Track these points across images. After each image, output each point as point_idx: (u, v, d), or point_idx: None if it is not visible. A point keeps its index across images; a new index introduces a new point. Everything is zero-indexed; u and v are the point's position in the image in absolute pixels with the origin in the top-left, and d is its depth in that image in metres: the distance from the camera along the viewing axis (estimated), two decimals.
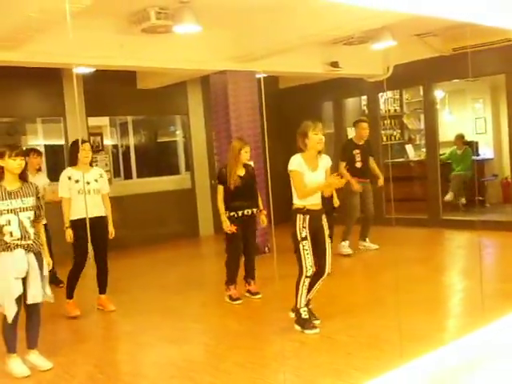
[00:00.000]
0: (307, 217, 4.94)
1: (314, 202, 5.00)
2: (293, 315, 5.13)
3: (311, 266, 4.94)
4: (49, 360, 4.64)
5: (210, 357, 4.86)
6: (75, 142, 6.41)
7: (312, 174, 4.97)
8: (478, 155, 11.88)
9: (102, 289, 6.25)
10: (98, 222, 6.03)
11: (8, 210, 4.39)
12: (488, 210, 10.99)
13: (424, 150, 11.09)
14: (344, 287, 6.86)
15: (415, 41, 9.48)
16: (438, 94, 11.70)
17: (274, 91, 11.57)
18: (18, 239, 4.40)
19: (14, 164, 4.41)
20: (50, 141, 10.59)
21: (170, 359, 4.78)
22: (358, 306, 5.95)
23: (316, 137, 4.92)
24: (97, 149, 10.51)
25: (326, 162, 5.11)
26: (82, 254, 5.97)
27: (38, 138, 10.57)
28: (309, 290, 5.06)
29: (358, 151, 8.34)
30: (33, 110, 9.99)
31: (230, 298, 6.24)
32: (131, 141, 11.54)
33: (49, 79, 9.12)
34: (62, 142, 10.15)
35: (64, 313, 6.00)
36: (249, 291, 6.40)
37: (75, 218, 5.90)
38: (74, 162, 6.08)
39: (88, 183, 6.00)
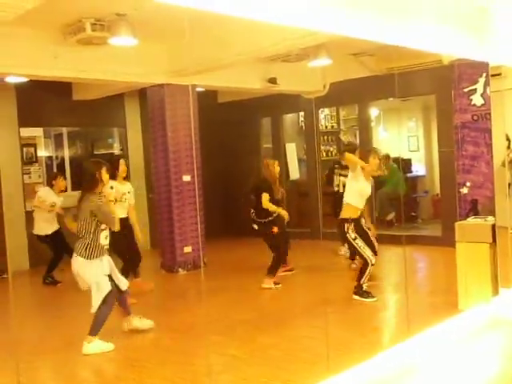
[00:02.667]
0: (352, 224, 6.27)
1: (358, 211, 6.39)
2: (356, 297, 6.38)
3: (372, 255, 6.26)
4: None
5: (139, 372, 4.78)
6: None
7: (366, 184, 6.40)
8: (410, 172, 12.24)
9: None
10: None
11: None
12: (420, 226, 11.32)
13: None
14: (277, 301, 6.92)
15: (351, 60, 9.72)
16: (373, 111, 12.01)
17: (212, 105, 11.61)
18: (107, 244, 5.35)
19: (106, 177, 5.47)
20: None
21: (96, 374, 4.69)
22: (290, 319, 6.01)
23: (374, 161, 6.42)
24: (30, 160, 10.28)
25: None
26: None
27: None
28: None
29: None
30: None
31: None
32: (66, 152, 11.29)
33: None
34: None
35: None
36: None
37: None
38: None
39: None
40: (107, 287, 5.23)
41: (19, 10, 5.05)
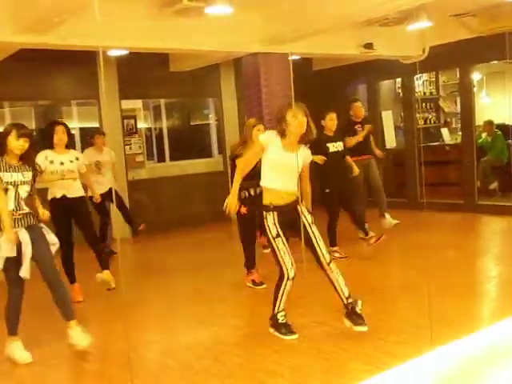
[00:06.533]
0: (275, 214, 4.50)
1: (283, 195, 4.52)
2: None
3: (292, 266, 4.47)
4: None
5: (238, 338, 4.88)
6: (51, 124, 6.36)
7: (286, 155, 4.48)
8: None
9: (104, 265, 6.31)
10: (79, 203, 6.16)
11: (7, 182, 4.46)
12: None
13: (460, 133, 10.87)
14: (375, 271, 6.81)
15: (452, 21, 9.24)
16: (475, 76, 11.43)
17: (307, 73, 11.48)
18: (13, 211, 4.44)
19: (16, 144, 4.48)
20: (85, 124, 10.72)
21: (198, 340, 4.81)
22: (389, 290, 5.91)
23: (295, 121, 4.47)
24: (130, 132, 10.63)
25: (304, 153, 4.67)
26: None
27: (74, 121, 10.70)
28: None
29: (359, 126, 8.28)
30: (68, 92, 10.10)
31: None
32: (164, 124, 11.60)
33: (83, 62, 9.18)
34: (96, 124, 10.25)
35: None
36: None
37: (55, 196, 6.02)
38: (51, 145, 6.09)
39: (62, 164, 6.01)
40: None
41: None
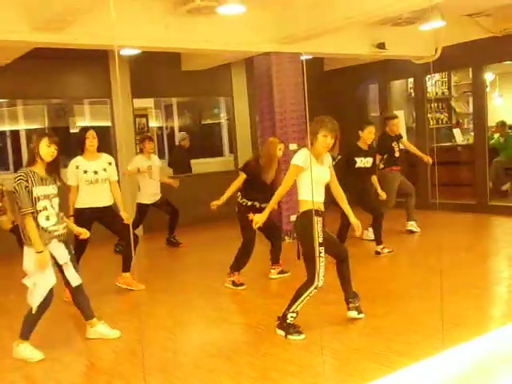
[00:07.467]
0: (321, 219, 4.59)
1: (320, 206, 4.66)
2: None
3: (324, 277, 4.55)
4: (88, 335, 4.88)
5: (250, 337, 4.89)
6: (82, 130, 6.42)
7: (319, 168, 4.63)
8: None
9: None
10: (107, 211, 6.07)
11: (44, 196, 4.45)
12: None
13: (472, 134, 10.82)
14: (388, 271, 6.80)
15: (465, 21, 9.20)
16: (488, 76, 11.37)
17: (319, 73, 11.48)
18: (54, 225, 4.48)
19: (48, 151, 4.47)
20: (97, 122, 10.77)
21: (209, 338, 4.83)
22: (401, 290, 5.88)
23: (324, 141, 4.59)
24: (142, 130, 10.66)
25: (328, 159, 4.80)
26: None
27: (86, 120, 10.76)
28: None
29: (395, 143, 8.41)
30: (80, 91, 10.14)
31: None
32: (176, 123, 11.65)
33: (96, 61, 9.24)
34: (108, 123, 10.29)
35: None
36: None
37: (83, 206, 5.96)
38: (82, 150, 6.05)
39: (96, 172, 5.99)
40: (45, 282, 4.44)
41: None
